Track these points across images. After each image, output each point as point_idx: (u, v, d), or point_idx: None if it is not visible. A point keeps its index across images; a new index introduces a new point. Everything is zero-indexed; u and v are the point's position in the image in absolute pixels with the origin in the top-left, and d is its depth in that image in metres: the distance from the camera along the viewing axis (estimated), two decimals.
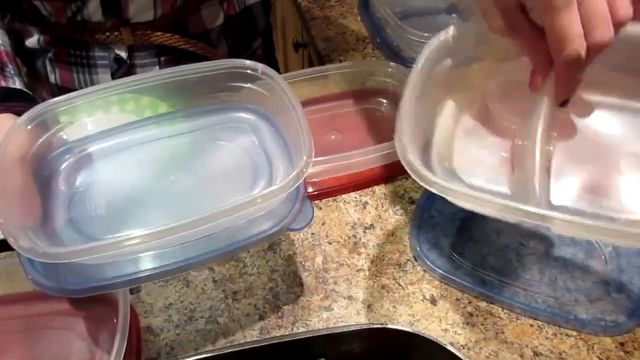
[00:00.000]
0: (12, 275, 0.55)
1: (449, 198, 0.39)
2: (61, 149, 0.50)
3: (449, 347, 0.34)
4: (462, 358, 0.34)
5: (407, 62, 0.77)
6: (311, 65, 1.09)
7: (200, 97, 0.54)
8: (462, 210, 0.60)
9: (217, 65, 0.51)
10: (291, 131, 0.47)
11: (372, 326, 0.36)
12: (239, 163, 0.50)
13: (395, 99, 0.74)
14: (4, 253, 0.58)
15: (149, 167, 0.50)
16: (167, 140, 0.52)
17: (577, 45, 0.35)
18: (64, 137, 0.51)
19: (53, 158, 0.50)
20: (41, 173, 0.47)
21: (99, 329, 0.51)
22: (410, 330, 0.35)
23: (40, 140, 0.48)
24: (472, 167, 0.49)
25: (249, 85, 0.51)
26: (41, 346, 0.51)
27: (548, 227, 0.36)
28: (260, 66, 0.50)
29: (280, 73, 0.77)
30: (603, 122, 0.50)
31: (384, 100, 0.75)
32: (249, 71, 0.51)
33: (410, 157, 0.40)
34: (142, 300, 0.54)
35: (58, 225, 0.46)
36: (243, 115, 0.54)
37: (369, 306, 0.53)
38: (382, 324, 0.35)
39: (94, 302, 0.53)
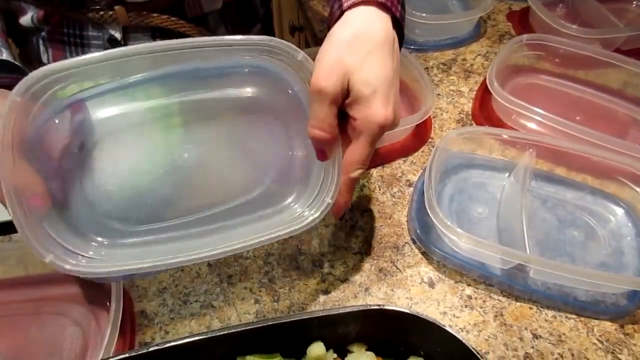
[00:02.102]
0: (3, 260, 0.54)
1: None
2: (64, 123, 0.43)
3: (448, 329, 0.33)
4: (461, 339, 0.33)
5: (406, 44, 0.75)
6: (307, 47, 1.07)
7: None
8: (458, 193, 0.60)
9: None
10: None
11: (369, 307, 0.35)
12: (259, 152, 0.47)
13: None
14: None
15: (161, 139, 0.45)
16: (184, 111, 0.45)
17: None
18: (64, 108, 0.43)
19: (56, 132, 0.43)
20: (44, 151, 0.41)
21: (93, 313, 0.51)
22: (408, 312, 0.34)
23: (39, 114, 0.40)
24: None
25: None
26: (33, 331, 0.50)
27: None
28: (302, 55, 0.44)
29: None
30: None
31: None
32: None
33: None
34: (135, 285, 0.54)
35: (73, 206, 0.42)
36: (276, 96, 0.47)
37: (366, 289, 0.53)
38: (379, 306, 0.35)
39: (86, 287, 0.52)
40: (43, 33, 0.68)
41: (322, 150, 0.43)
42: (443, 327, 0.34)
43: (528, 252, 0.49)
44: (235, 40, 0.42)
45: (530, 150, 0.58)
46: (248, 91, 0.46)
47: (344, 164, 0.43)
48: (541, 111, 0.62)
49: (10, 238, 0.57)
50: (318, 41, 0.85)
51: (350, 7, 0.42)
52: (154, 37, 0.68)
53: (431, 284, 0.54)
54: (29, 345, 0.49)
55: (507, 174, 0.60)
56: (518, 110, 0.64)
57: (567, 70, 0.74)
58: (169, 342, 0.33)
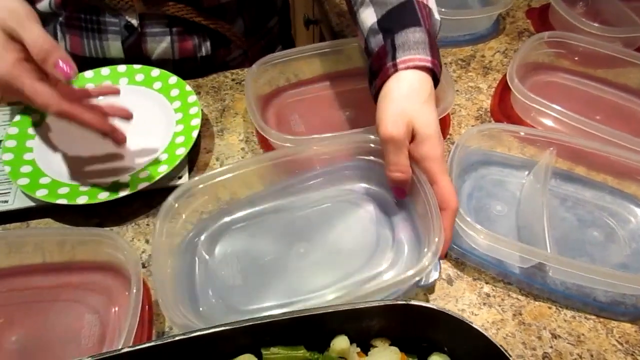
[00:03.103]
0: (20, 246, 0.53)
1: None
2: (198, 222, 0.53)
3: (475, 326, 0.33)
4: (489, 337, 0.33)
5: None
6: (322, 41, 1.06)
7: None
8: (476, 190, 0.59)
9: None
10: (419, 209, 0.50)
11: (395, 302, 0.35)
12: (364, 233, 0.53)
13: None
14: (13, 224, 0.57)
15: (278, 237, 0.53)
16: (293, 211, 0.55)
17: None
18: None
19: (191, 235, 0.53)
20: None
21: (110, 302, 0.51)
22: (436, 308, 0.34)
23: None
24: None
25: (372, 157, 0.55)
26: (51, 318, 0.50)
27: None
28: None
29: None
30: None
31: None
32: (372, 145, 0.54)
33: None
34: (152, 274, 0.53)
35: (199, 290, 0.50)
36: (366, 186, 0.56)
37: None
38: (405, 301, 0.34)
39: (104, 276, 0.52)
40: (60, 19, 0.68)
41: (401, 190, 0.50)
42: (470, 324, 0.33)
43: (549, 250, 0.49)
44: None
45: (552, 148, 0.57)
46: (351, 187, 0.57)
47: (445, 201, 0.46)
48: (561, 109, 0.61)
49: (28, 224, 0.57)
50: (335, 34, 0.84)
51: (406, 69, 0.48)
52: (169, 26, 0.68)
53: (449, 281, 0.53)
54: (47, 331, 0.49)
55: (526, 172, 0.60)
56: (538, 108, 0.63)
57: (587, 68, 0.74)
58: (195, 331, 0.33)
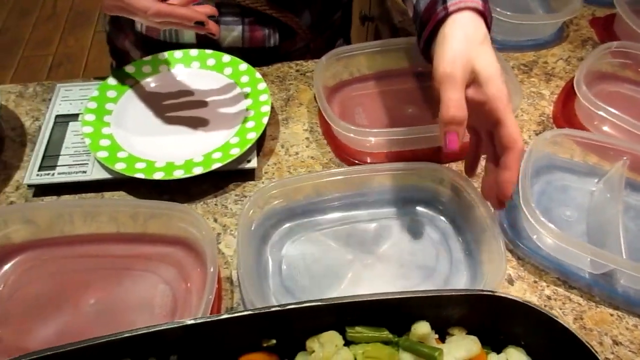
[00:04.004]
0: (96, 215, 0.56)
1: None
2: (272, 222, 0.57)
3: (562, 322, 0.34)
4: (576, 333, 0.33)
5: None
6: (377, 38, 1.07)
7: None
8: (546, 194, 0.60)
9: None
10: (476, 233, 0.54)
11: (480, 292, 0.35)
12: (424, 251, 0.56)
13: None
14: (89, 194, 0.60)
15: (343, 246, 0.56)
16: (360, 223, 0.58)
17: None
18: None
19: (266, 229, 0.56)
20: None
21: (181, 275, 0.53)
22: (521, 300, 0.35)
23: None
24: None
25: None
26: (126, 285, 0.52)
27: None
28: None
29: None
30: None
31: None
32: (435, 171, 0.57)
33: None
34: (221, 252, 0.55)
35: (271, 283, 0.53)
36: (427, 208, 0.59)
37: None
38: (491, 291, 0.35)
39: (175, 249, 0.54)
40: None
41: (454, 137, 0.45)
42: (556, 318, 0.34)
43: (624, 257, 0.49)
44: None
45: (625, 158, 0.57)
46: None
47: (512, 140, 0.45)
48: (627, 118, 0.61)
49: (102, 195, 0.60)
50: (396, 32, 0.85)
51: (455, 10, 0.47)
52: (242, 16, 0.69)
53: (510, 281, 0.54)
54: (122, 297, 0.51)
55: (595, 180, 0.60)
56: (602, 116, 0.63)
57: None
58: (290, 304, 0.34)
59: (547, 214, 0.58)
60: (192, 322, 0.33)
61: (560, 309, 0.52)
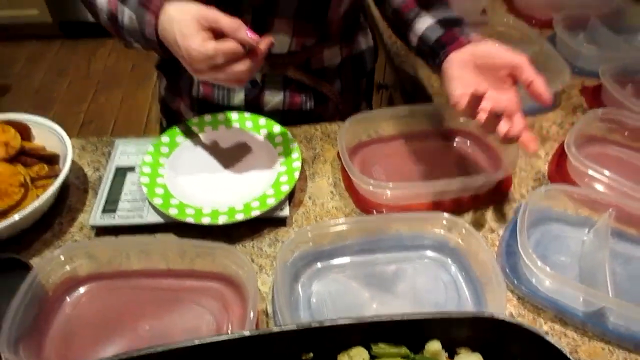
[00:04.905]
0: (150, 253, 0.64)
1: None
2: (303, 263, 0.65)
3: (554, 342, 0.41)
4: (566, 354, 0.40)
5: None
6: (390, 103, 1.19)
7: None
8: (541, 243, 0.68)
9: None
10: (487, 287, 0.61)
11: (482, 314, 0.43)
12: (435, 292, 0.64)
13: (476, 138, 0.83)
14: (138, 235, 0.69)
15: (364, 287, 0.64)
16: (378, 265, 0.66)
17: None
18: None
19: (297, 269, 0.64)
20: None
21: (224, 307, 0.60)
22: (517, 322, 0.42)
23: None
24: None
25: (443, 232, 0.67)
26: (176, 314, 0.60)
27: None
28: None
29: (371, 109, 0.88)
30: None
31: (467, 140, 0.83)
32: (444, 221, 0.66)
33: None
34: (257, 288, 0.63)
35: (303, 317, 0.61)
36: (439, 254, 0.68)
37: None
38: (490, 314, 0.43)
39: (219, 284, 0.62)
40: None
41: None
42: (549, 340, 0.41)
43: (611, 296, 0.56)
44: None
45: (611, 209, 0.66)
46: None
47: (521, 63, 0.62)
48: (613, 175, 0.70)
49: (155, 236, 0.69)
50: (408, 98, 0.96)
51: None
52: (284, 85, 0.81)
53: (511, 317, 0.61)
54: (173, 325, 0.59)
55: (586, 229, 0.68)
56: (591, 174, 0.72)
57: (636, 142, 0.82)
58: (326, 320, 0.42)
59: (544, 259, 0.66)
60: (249, 333, 0.41)
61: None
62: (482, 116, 0.59)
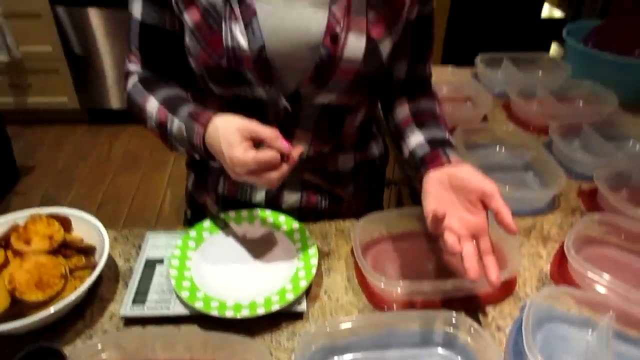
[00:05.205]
0: (174, 344, 0.67)
1: None
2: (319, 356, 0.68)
3: None
4: None
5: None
6: (399, 199, 1.27)
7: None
8: (546, 342, 0.71)
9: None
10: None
11: None
12: None
13: None
14: (164, 325, 0.73)
15: None
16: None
17: None
18: None
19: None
20: None
21: None
22: None
23: None
24: None
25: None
26: None
27: None
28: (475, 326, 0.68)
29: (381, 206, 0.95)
30: None
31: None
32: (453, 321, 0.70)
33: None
34: None
35: None
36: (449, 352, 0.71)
37: None
38: None
39: None
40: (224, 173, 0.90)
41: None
42: None
43: None
44: None
45: (611, 312, 0.69)
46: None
47: (491, 193, 0.69)
48: (611, 279, 0.74)
49: (179, 327, 0.73)
50: (416, 195, 1.03)
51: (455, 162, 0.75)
52: (302, 188, 0.89)
53: None
54: None
55: (589, 330, 0.71)
56: (591, 277, 0.76)
57: (633, 245, 0.87)
58: None
59: (550, 359, 0.69)
60: None
61: None
62: (446, 235, 0.67)
